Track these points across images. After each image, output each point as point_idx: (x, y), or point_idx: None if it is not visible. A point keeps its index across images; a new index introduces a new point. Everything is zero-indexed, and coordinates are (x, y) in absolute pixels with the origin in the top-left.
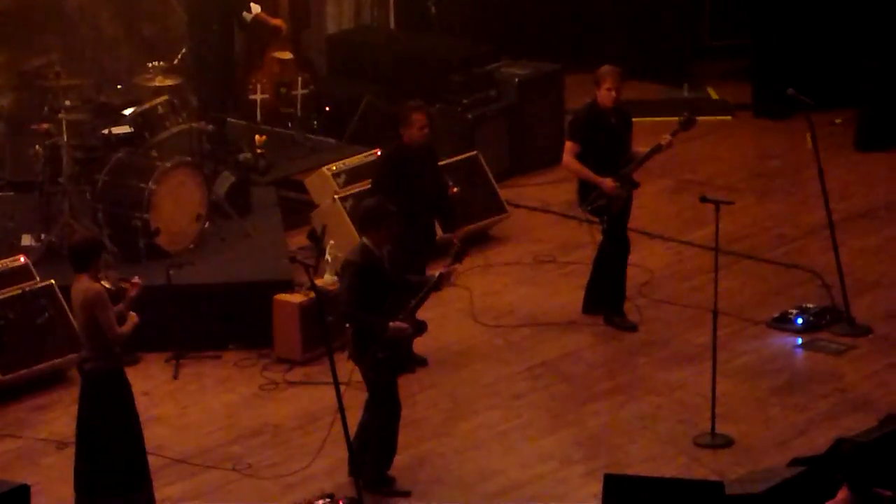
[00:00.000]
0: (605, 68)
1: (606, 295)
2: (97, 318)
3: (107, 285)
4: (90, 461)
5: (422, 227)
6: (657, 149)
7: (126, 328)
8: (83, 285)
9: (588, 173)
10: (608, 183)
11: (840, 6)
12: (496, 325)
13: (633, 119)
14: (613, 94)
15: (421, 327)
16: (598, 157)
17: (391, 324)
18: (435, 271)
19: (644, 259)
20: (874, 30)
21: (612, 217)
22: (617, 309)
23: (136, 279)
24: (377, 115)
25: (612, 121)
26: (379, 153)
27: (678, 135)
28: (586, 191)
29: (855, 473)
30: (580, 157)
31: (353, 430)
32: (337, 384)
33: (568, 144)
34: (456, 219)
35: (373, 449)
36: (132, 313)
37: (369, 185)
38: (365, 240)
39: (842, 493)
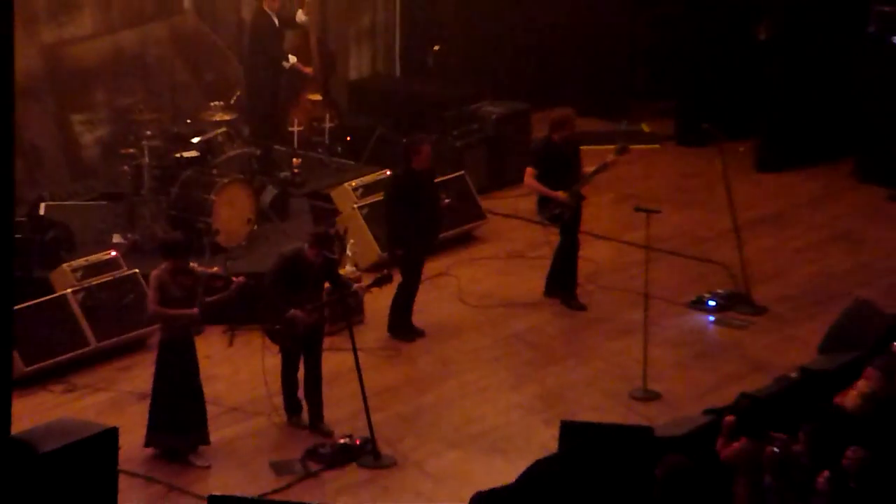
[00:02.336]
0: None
1: (563, 282)
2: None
3: (196, 269)
4: (157, 408)
5: (424, 232)
6: (603, 167)
7: (172, 311)
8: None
9: (544, 189)
10: (561, 195)
11: (743, 58)
12: (478, 304)
13: (583, 147)
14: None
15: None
16: (555, 178)
17: (293, 311)
18: (363, 284)
19: (592, 255)
20: (770, 75)
21: (564, 223)
22: (571, 293)
23: (240, 278)
24: (387, 143)
25: (563, 149)
26: (388, 173)
27: (617, 159)
28: (543, 203)
29: (750, 423)
30: (541, 177)
31: (370, 386)
32: (355, 350)
33: (528, 170)
34: (439, 231)
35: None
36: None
37: (383, 198)
38: (305, 245)
39: (742, 440)
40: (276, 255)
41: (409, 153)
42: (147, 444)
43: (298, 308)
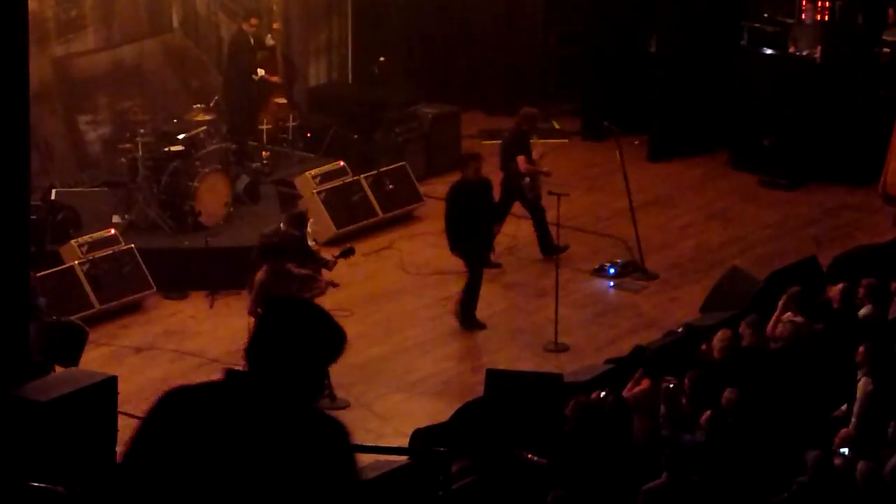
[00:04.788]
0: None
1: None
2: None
3: (293, 270)
4: None
5: (479, 232)
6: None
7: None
8: (258, 272)
9: (541, 170)
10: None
11: (637, 67)
12: (417, 273)
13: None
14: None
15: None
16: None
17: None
18: (328, 255)
19: (513, 231)
20: (659, 80)
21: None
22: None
23: (331, 278)
24: (341, 138)
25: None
26: (342, 164)
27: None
28: (533, 183)
29: (651, 367)
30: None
31: None
32: None
33: (521, 158)
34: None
35: None
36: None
37: (445, 206)
38: (281, 224)
39: (644, 381)
40: (259, 235)
41: (462, 167)
42: None
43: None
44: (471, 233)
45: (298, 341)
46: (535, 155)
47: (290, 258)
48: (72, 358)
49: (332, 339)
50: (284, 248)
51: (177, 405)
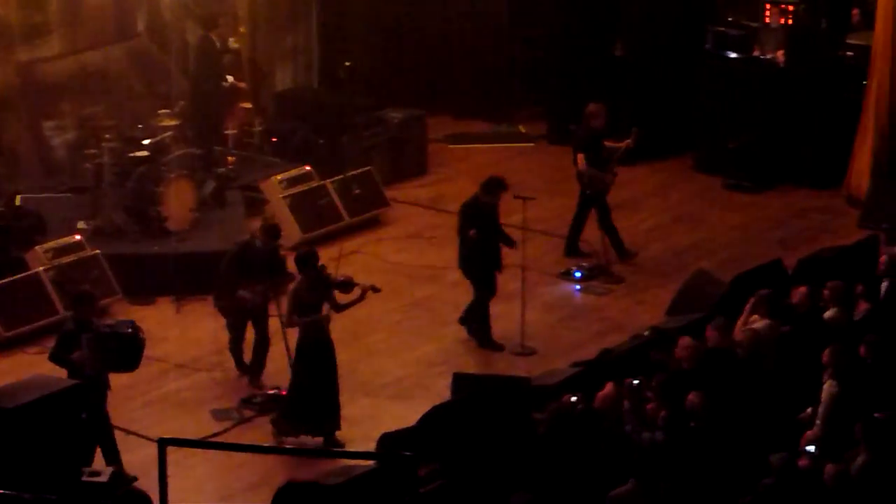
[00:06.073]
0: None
1: (614, 241)
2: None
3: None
4: (293, 402)
5: (490, 252)
6: (623, 150)
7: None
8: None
9: (598, 173)
10: (608, 177)
11: (603, 71)
12: (384, 277)
13: (472, 145)
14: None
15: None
16: (596, 162)
17: (241, 292)
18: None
19: None
20: (624, 84)
21: (586, 197)
22: (622, 249)
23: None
24: (307, 143)
25: (601, 136)
26: (308, 168)
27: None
28: (597, 179)
29: (611, 373)
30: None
31: (294, 346)
32: (281, 317)
33: (580, 156)
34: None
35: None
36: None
37: (457, 224)
38: (253, 236)
39: (608, 385)
40: (234, 244)
41: (483, 189)
42: (280, 434)
43: (246, 289)
44: (478, 252)
45: None
46: (608, 153)
47: (253, 270)
48: (131, 363)
49: None
50: (315, 255)
51: None
